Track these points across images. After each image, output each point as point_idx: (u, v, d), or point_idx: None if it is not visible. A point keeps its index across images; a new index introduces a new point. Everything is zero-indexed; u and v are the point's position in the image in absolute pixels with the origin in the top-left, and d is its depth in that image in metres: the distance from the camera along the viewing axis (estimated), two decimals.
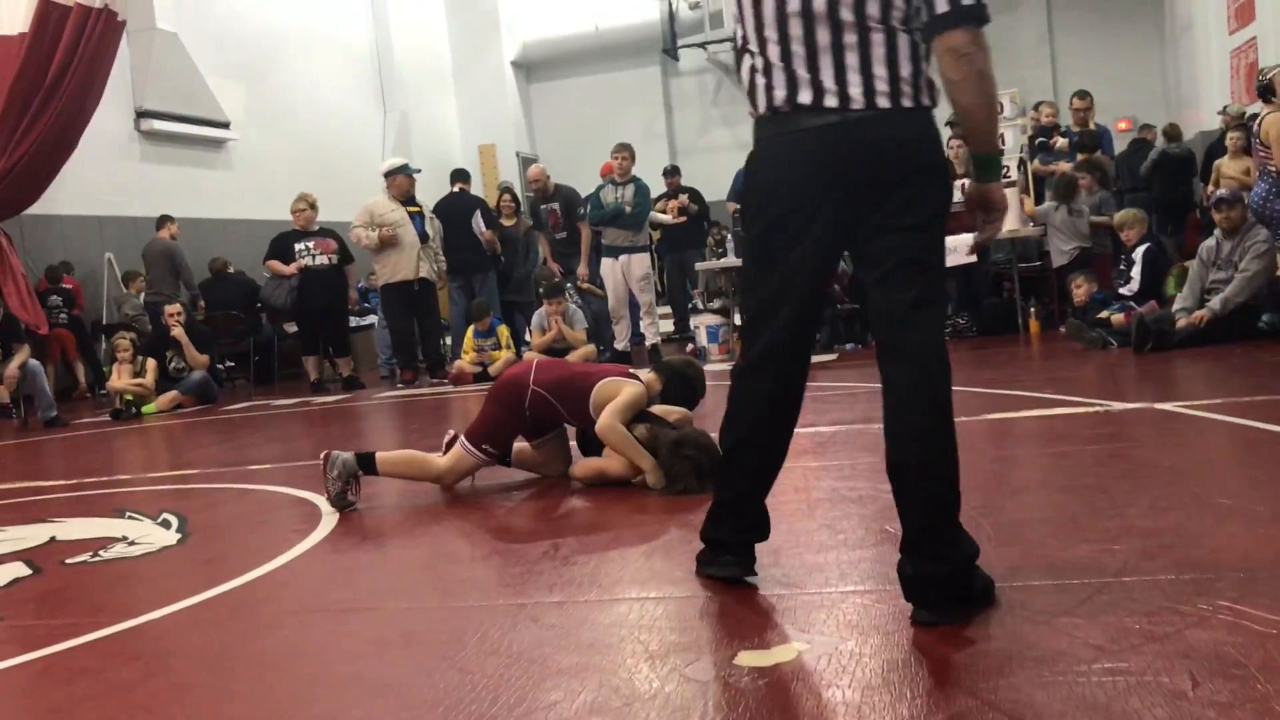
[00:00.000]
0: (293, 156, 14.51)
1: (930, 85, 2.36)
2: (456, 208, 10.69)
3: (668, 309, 12.31)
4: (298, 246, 10.13)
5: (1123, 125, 15.01)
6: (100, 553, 3.85)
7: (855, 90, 2.29)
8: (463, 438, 4.26)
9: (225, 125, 13.71)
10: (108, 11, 10.71)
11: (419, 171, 10.37)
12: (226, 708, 2.28)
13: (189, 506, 4.61)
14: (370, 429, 7.43)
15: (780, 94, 2.37)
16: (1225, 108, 10.87)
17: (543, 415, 4.24)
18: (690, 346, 10.03)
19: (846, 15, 2.30)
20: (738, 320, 9.73)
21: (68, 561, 3.76)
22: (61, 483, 5.69)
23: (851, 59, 2.29)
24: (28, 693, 2.52)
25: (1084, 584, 2.47)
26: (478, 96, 18.53)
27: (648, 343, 9.61)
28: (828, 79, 2.31)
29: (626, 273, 9.52)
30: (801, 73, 2.33)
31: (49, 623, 3.06)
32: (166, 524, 4.25)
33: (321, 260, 10.06)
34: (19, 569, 3.72)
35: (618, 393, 4.10)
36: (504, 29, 18.52)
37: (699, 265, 10.55)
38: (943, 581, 2.32)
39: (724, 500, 2.69)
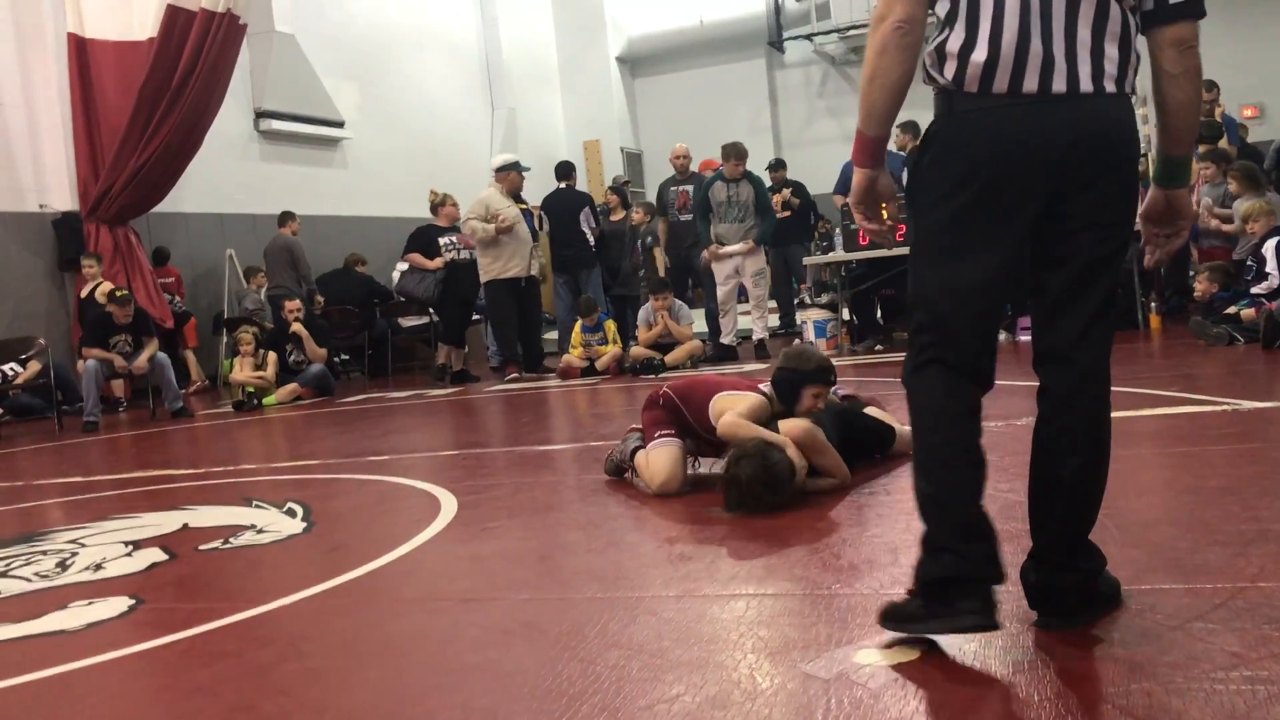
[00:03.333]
0: (404, 155, 14.84)
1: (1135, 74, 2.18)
2: (564, 204, 10.81)
3: (773, 303, 12.25)
4: (442, 241, 10.34)
5: (1249, 112, 14.44)
6: (231, 540, 4.01)
7: (1084, 69, 2.10)
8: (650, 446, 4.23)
9: (340, 125, 14.09)
10: (230, 15, 11.09)
11: (529, 170, 10.49)
12: (359, 693, 2.35)
13: (312, 496, 4.77)
14: (483, 422, 7.57)
15: (993, 68, 2.10)
16: None
17: (674, 416, 4.21)
18: (796, 341, 9.96)
19: None
20: (845, 315, 9.66)
21: (201, 548, 3.93)
22: (190, 471, 5.92)
23: (1084, 34, 2.10)
24: (173, 672, 2.64)
25: (1217, 588, 2.41)
26: (583, 92, 18.69)
27: (755, 337, 9.59)
28: (1059, 54, 2.09)
29: (740, 268, 9.48)
30: (1032, 46, 2.08)
31: (187, 606, 3.20)
32: (292, 513, 4.40)
33: (465, 255, 10.26)
34: (156, 554, 3.89)
35: (738, 403, 4.03)
36: (609, 25, 18.63)
37: (806, 260, 10.48)
38: (1071, 590, 2.27)
39: (939, 527, 2.22)
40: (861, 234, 2.32)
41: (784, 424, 3.88)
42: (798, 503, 3.67)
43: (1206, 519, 3.02)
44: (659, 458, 4.10)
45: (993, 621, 2.14)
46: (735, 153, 9.35)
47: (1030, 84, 2.09)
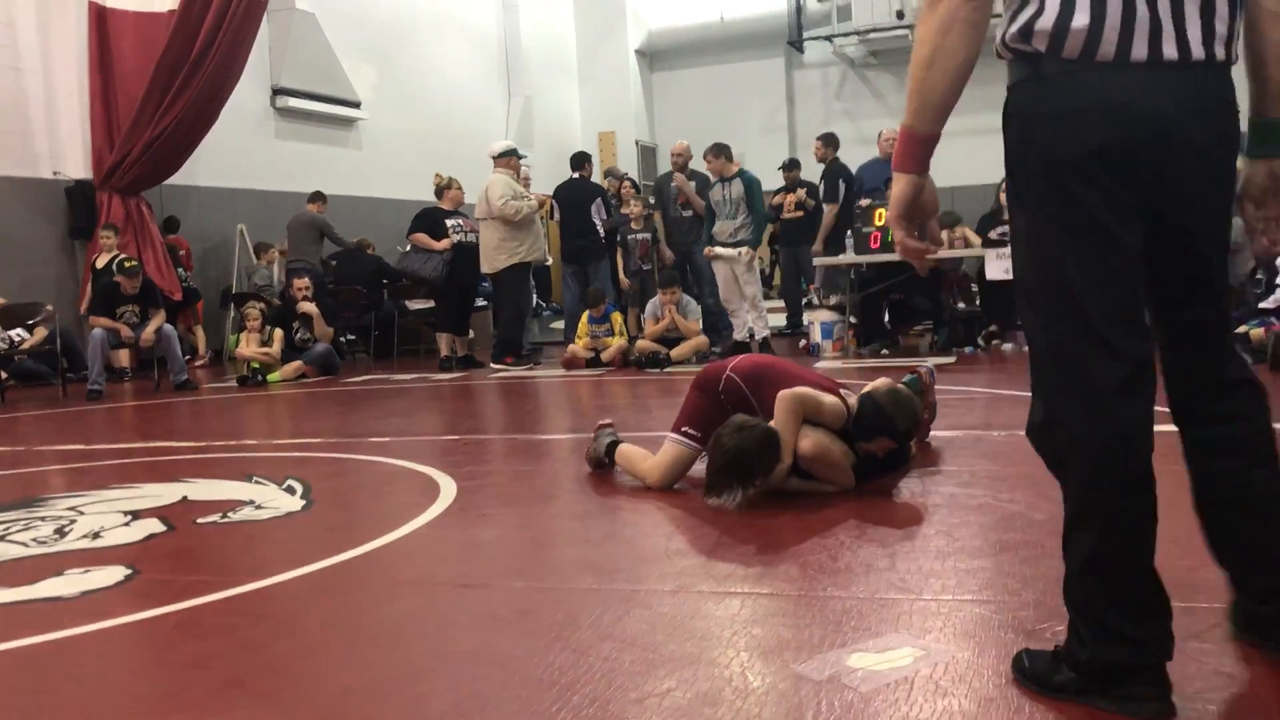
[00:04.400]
0: (419, 138, 14.82)
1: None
2: (577, 194, 10.81)
3: (780, 303, 12.24)
4: (449, 223, 10.30)
5: None
6: (229, 514, 4.01)
7: (1193, 32, 1.84)
8: (670, 433, 4.15)
9: (356, 105, 14.08)
10: None
11: (525, 158, 10.50)
12: (351, 673, 2.35)
13: (312, 474, 4.77)
14: (486, 409, 7.57)
15: (1097, 33, 1.83)
16: None
17: (737, 404, 4.05)
18: (803, 341, 9.96)
19: None
20: (853, 319, 9.65)
21: (199, 521, 3.93)
22: (192, 444, 5.93)
23: None
24: (167, 644, 2.64)
25: (1213, 609, 2.40)
26: (600, 84, 18.65)
27: (756, 336, 9.54)
28: (1165, 17, 1.83)
29: (733, 264, 9.48)
30: (1139, 9, 1.83)
31: (183, 578, 3.21)
32: (291, 490, 4.40)
33: (471, 238, 10.23)
34: (155, 525, 3.89)
35: (819, 401, 3.84)
36: (630, 17, 18.58)
37: (816, 260, 10.46)
38: None
39: (1112, 601, 1.89)
40: (900, 247, 2.00)
41: (802, 432, 3.78)
42: (797, 502, 3.66)
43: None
44: (666, 454, 4.08)
45: (1173, 707, 1.89)
46: (714, 151, 9.46)
47: (1139, 50, 1.82)
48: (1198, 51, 1.83)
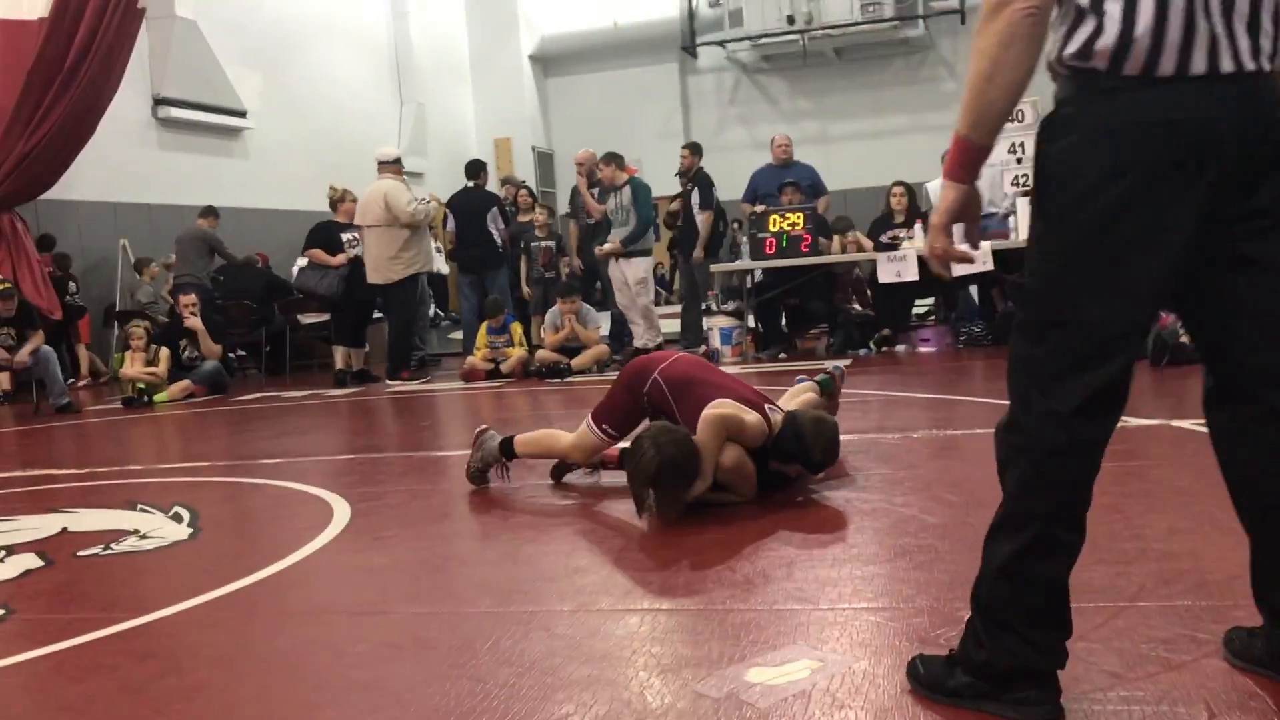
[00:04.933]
0: (309, 147, 14.53)
1: None
2: (471, 203, 10.69)
3: (679, 308, 12.27)
4: (345, 237, 10.08)
5: None
6: (112, 545, 3.86)
7: (1244, 45, 1.85)
8: (588, 416, 4.19)
9: (242, 114, 13.73)
10: None
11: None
12: (238, 711, 2.28)
13: (201, 500, 4.62)
14: (382, 426, 7.44)
15: (1158, 48, 1.83)
16: None
17: (658, 407, 4.04)
18: (703, 347, 10.01)
19: None
20: (750, 322, 9.73)
21: (80, 554, 3.77)
22: (73, 471, 5.71)
23: (1242, 5, 1.85)
24: (40, 689, 2.52)
25: (1099, 608, 2.46)
26: (495, 90, 18.53)
27: (639, 345, 9.47)
28: (1220, 30, 1.84)
29: (625, 275, 9.48)
30: (1198, 23, 1.83)
31: (61, 617, 3.07)
32: (178, 518, 4.26)
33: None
34: (31, 560, 3.73)
35: (741, 417, 3.78)
36: (522, 23, 18.50)
37: (714, 267, 10.52)
38: None
39: (1021, 606, 1.93)
40: (933, 254, 1.95)
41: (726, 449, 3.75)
42: (698, 514, 3.66)
43: (1092, 537, 3.05)
44: (583, 437, 4.18)
45: (1062, 710, 1.94)
46: (605, 159, 9.58)
47: (1199, 64, 1.83)
48: (1249, 63, 1.85)
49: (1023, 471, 1.92)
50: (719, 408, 3.75)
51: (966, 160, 1.96)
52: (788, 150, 10.97)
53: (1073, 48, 1.87)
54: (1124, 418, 4.98)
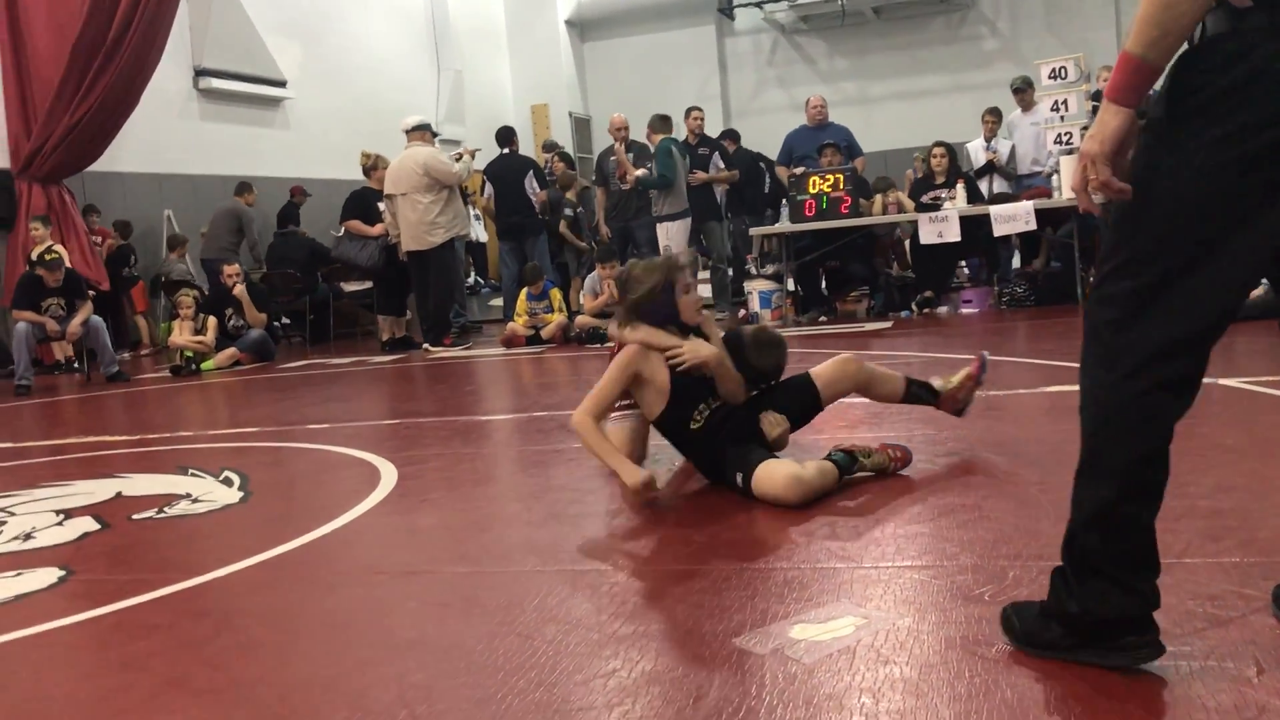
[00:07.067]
0: (347, 116, 14.59)
1: None
2: (508, 169, 10.71)
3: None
4: (381, 206, 10.10)
5: None
6: (165, 509, 3.94)
7: None
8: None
9: (282, 84, 13.82)
10: None
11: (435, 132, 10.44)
12: (293, 668, 2.33)
13: (250, 464, 4.70)
14: (425, 391, 7.51)
15: None
16: None
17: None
18: (741, 311, 10.00)
19: None
20: (790, 285, 9.69)
21: (134, 517, 3.86)
22: (125, 438, 5.82)
23: None
24: (102, 646, 2.60)
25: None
26: (531, 56, 18.47)
27: None
28: None
29: (669, 236, 9.54)
30: None
31: (119, 578, 3.15)
32: (228, 482, 4.34)
33: None
34: (89, 523, 3.82)
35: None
36: None
37: (753, 230, 10.48)
38: None
39: (1114, 551, 1.87)
40: (1094, 186, 1.70)
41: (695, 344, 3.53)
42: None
43: None
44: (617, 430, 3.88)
45: (1162, 646, 1.90)
46: (649, 124, 9.75)
47: None
48: None
49: (1109, 414, 1.85)
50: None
51: (1138, 82, 1.75)
52: (823, 111, 10.89)
53: None
54: None
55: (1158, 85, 1.81)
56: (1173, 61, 1.77)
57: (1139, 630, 1.89)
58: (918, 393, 3.84)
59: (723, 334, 3.74)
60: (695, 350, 3.48)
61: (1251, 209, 1.73)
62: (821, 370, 3.72)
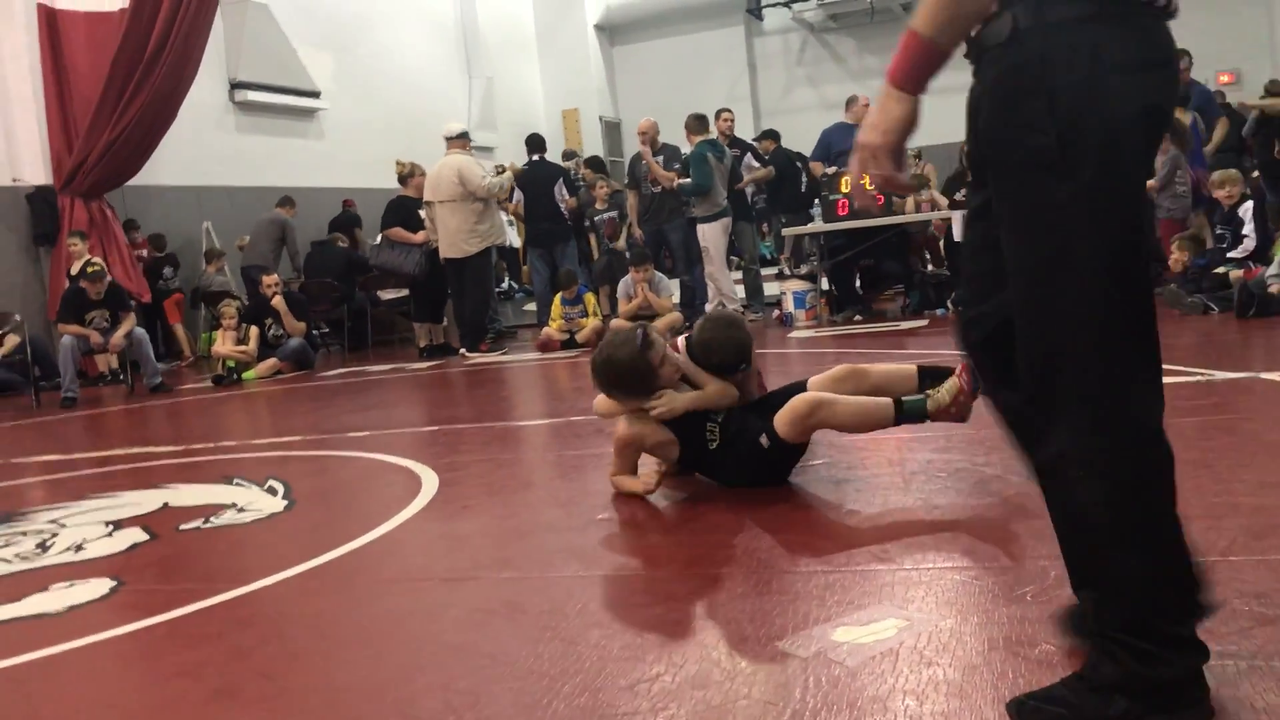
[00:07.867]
0: (381, 125, 14.72)
1: None
2: (538, 176, 10.76)
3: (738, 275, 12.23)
4: (422, 213, 10.19)
5: (1225, 79, 14.46)
6: (211, 519, 4.00)
7: None
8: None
9: (316, 95, 13.97)
10: None
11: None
12: (341, 675, 2.37)
13: (293, 473, 4.76)
14: (463, 397, 7.56)
15: None
16: None
17: None
18: (776, 312, 9.98)
19: None
20: (824, 285, 9.66)
21: (182, 527, 3.92)
22: (170, 449, 5.90)
23: None
24: (156, 655, 2.65)
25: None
26: (561, 61, 18.56)
27: (707, 306, 9.53)
28: None
29: (704, 238, 9.56)
30: None
31: (168, 588, 3.20)
32: (273, 491, 4.40)
33: None
34: (137, 534, 3.89)
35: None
36: None
37: (785, 230, 10.47)
38: None
39: (1163, 611, 1.67)
40: (869, 190, 1.67)
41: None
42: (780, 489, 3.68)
43: (1180, 492, 3.05)
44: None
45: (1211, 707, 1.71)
46: (689, 123, 9.75)
47: None
48: None
49: (1128, 481, 1.68)
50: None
51: (921, 63, 1.62)
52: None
53: None
54: (1211, 371, 4.87)
55: None
56: None
57: (1200, 683, 1.72)
58: (910, 411, 3.53)
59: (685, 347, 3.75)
60: (670, 405, 3.58)
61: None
62: (819, 378, 3.73)
